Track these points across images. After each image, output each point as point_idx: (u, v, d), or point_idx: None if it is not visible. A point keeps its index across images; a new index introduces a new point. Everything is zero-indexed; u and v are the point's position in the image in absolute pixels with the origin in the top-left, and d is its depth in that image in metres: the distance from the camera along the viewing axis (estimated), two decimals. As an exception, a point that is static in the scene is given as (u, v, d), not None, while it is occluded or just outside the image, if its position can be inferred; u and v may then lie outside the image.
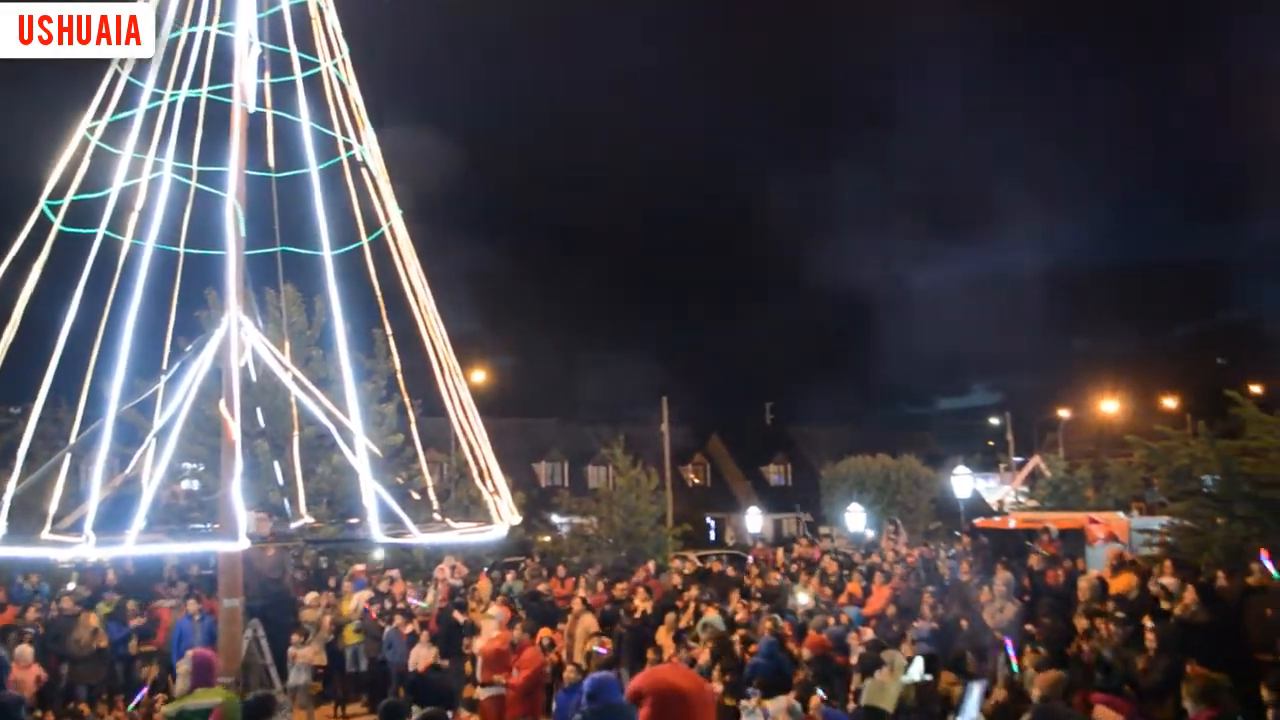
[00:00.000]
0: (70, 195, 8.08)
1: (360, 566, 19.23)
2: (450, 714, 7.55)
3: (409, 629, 15.18)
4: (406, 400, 10.09)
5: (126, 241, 8.01)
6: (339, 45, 8.81)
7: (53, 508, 7.93)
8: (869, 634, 12.78)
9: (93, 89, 8.22)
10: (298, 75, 8.44)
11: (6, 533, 7.37)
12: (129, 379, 7.73)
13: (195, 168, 8.80)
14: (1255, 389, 34.16)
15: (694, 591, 16.15)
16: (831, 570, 18.99)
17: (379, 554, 20.79)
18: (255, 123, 8.71)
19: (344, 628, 16.24)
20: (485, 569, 20.78)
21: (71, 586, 16.96)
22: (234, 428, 7.71)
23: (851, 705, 10.76)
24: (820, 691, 10.36)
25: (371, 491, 7.25)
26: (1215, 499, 14.95)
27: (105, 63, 8.15)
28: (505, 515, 8.88)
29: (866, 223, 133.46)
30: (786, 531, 48.54)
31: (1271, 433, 14.43)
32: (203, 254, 8.91)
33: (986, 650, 12.39)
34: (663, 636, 14.40)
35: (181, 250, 8.89)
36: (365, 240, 8.59)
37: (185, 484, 20.92)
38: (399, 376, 10.05)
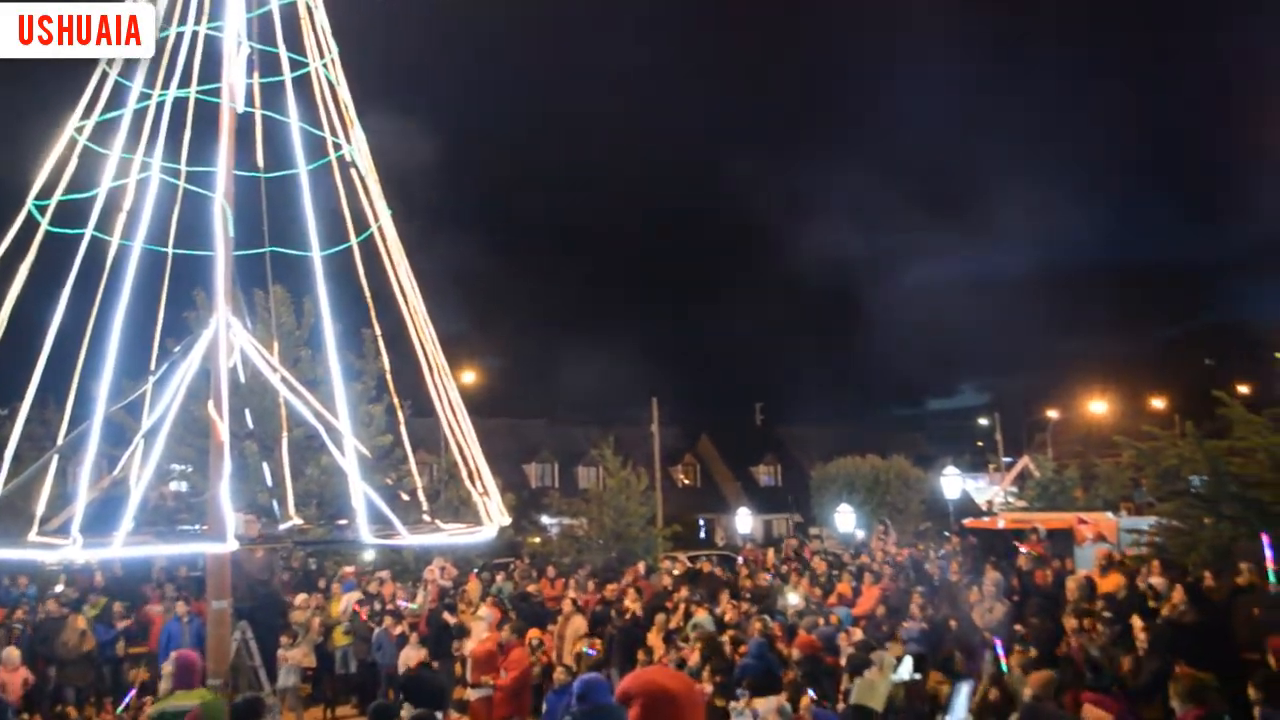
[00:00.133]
0: (58, 195, 8.05)
1: (349, 568, 19.20)
2: (440, 715, 7.52)
3: (398, 630, 15.16)
4: (396, 401, 10.08)
5: (114, 242, 7.98)
6: (328, 45, 8.79)
7: (40, 509, 7.89)
8: (858, 634, 12.80)
9: (81, 88, 8.20)
10: (286, 75, 8.41)
11: (-7, 534, 7.34)
12: (117, 380, 7.71)
13: (184, 168, 8.77)
14: (1243, 389, 34.30)
15: (684, 592, 16.16)
16: (821, 570, 19.02)
17: (369, 555, 20.75)
18: (244, 123, 8.69)
19: (333, 629, 16.21)
20: (475, 570, 20.75)
21: (59, 588, 16.89)
22: (222, 429, 7.69)
23: (841, 705, 10.77)
24: (810, 692, 10.37)
25: (360, 493, 7.24)
26: (1203, 499, 15.01)
27: (93, 62, 8.12)
28: (495, 516, 8.87)
29: (857, 223, 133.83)
30: (777, 532, 48.59)
31: (1258, 433, 14.50)
32: (191, 254, 8.88)
33: (975, 650, 12.42)
34: (653, 638, 14.40)
35: (170, 250, 8.87)
36: (354, 241, 8.57)
37: (173, 485, 20.80)
38: (388, 377, 10.03)
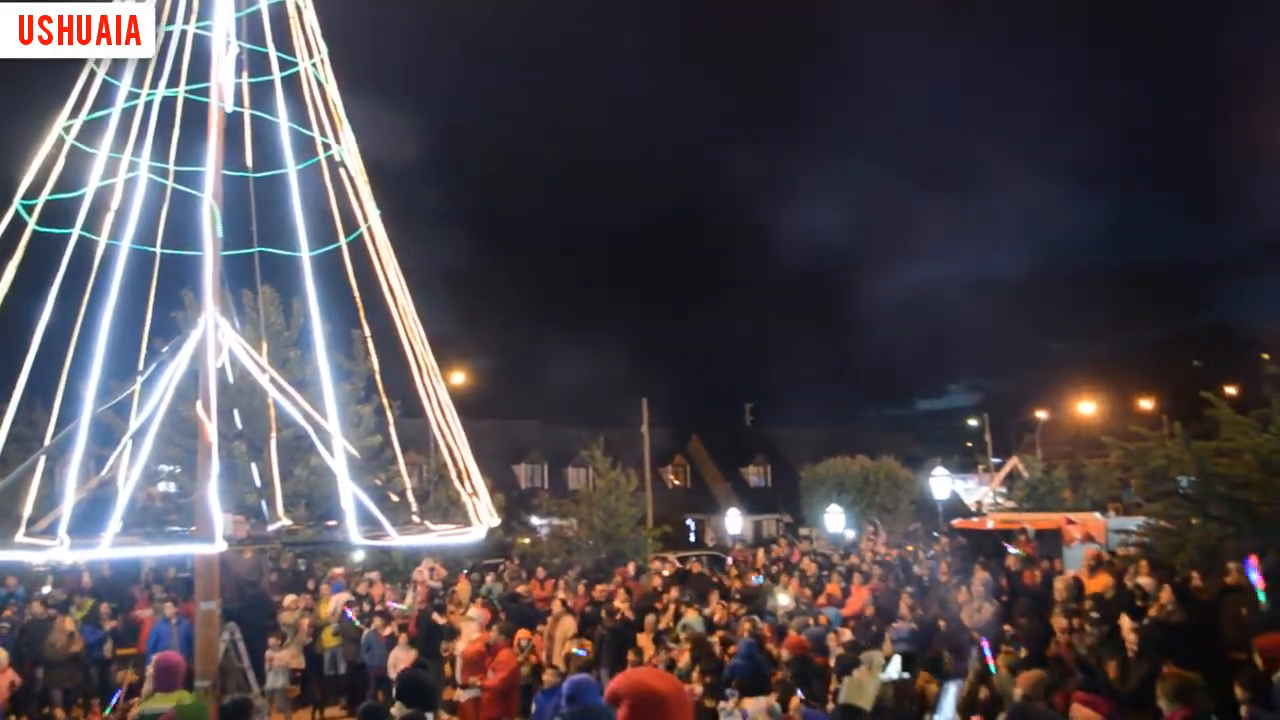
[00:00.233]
0: (45, 195, 8.02)
1: (339, 570, 19.17)
2: (431, 716, 7.50)
3: (387, 631, 15.13)
4: (385, 402, 10.06)
5: (102, 242, 7.95)
6: (317, 45, 8.77)
7: (27, 510, 7.85)
8: (848, 635, 12.82)
9: (68, 87, 8.17)
10: (276, 75, 8.39)
11: (-20, 535, 7.31)
12: (105, 380, 7.69)
13: (172, 167, 8.75)
14: (1230, 390, 34.45)
15: (674, 593, 16.17)
16: (810, 571, 19.06)
17: (358, 556, 20.72)
18: (233, 123, 8.67)
19: (322, 630, 16.16)
20: (465, 571, 20.74)
21: (47, 589, 16.84)
22: (211, 429, 7.66)
23: (830, 706, 10.78)
24: (799, 692, 10.38)
25: (349, 493, 7.22)
26: (1190, 499, 15.08)
27: (81, 61, 8.09)
28: (484, 517, 8.86)
29: (849, 224, 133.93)
30: (766, 533, 48.63)
31: (1245, 434, 14.57)
32: (179, 254, 8.85)
33: (964, 650, 12.46)
34: (643, 639, 14.41)
35: (158, 250, 8.84)
36: (344, 241, 8.56)
37: (162, 486, 20.77)
38: (377, 378, 10.02)
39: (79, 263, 7.92)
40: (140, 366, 8.57)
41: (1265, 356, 64.81)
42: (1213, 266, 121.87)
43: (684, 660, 12.22)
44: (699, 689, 11.08)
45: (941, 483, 33.31)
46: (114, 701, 13.26)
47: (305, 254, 8.05)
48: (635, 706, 4.76)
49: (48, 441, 8.18)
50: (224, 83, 8.34)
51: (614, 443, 31.54)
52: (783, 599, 15.90)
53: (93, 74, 8.15)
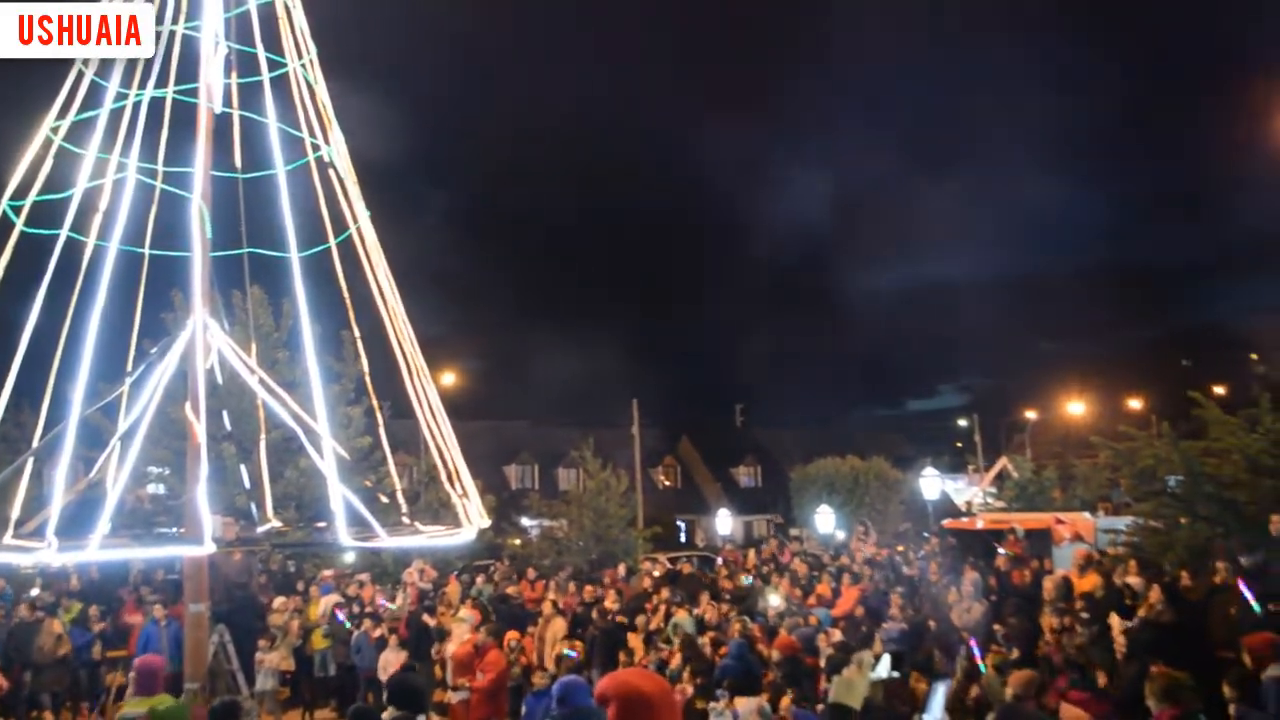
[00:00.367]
0: (33, 196, 7.98)
1: (329, 571, 19.11)
2: (421, 718, 7.48)
3: (378, 633, 15.10)
4: (375, 403, 10.04)
5: (90, 242, 7.92)
6: (306, 46, 8.75)
7: (15, 512, 7.82)
8: (838, 635, 12.83)
9: (56, 88, 8.13)
10: (265, 76, 8.37)
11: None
12: (93, 382, 7.65)
13: (160, 168, 8.71)
14: (1219, 390, 34.62)
15: (665, 594, 16.17)
16: (801, 572, 19.06)
17: (349, 557, 20.68)
18: (221, 123, 8.64)
19: (312, 632, 16.12)
20: (455, 572, 20.71)
21: (35, 592, 16.76)
22: (199, 431, 7.64)
23: (820, 707, 10.80)
24: (790, 693, 10.39)
25: (339, 495, 7.20)
26: (1179, 499, 15.14)
27: (69, 61, 8.06)
28: (474, 518, 8.84)
29: (837, 227, 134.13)
30: (757, 533, 48.67)
31: (1233, 434, 14.64)
32: (168, 255, 8.82)
33: (954, 650, 12.49)
34: (633, 639, 14.41)
35: (146, 251, 8.80)
36: (333, 242, 8.53)
37: (150, 488, 20.68)
38: (367, 379, 9.99)
39: (67, 264, 7.89)
40: (129, 368, 8.54)
41: (1254, 357, 65.17)
42: (1202, 267, 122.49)
43: (675, 661, 12.22)
44: (690, 689, 11.09)
45: (931, 483, 33.37)
46: (100, 703, 13.23)
47: (294, 255, 8.03)
48: (623, 708, 4.76)
49: (36, 443, 8.14)
50: (213, 83, 8.31)
51: (604, 443, 31.55)
52: (773, 600, 15.90)
53: (81, 74, 8.12)
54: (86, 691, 15.40)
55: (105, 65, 8.09)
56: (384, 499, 10.11)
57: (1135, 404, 49.56)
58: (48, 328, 7.89)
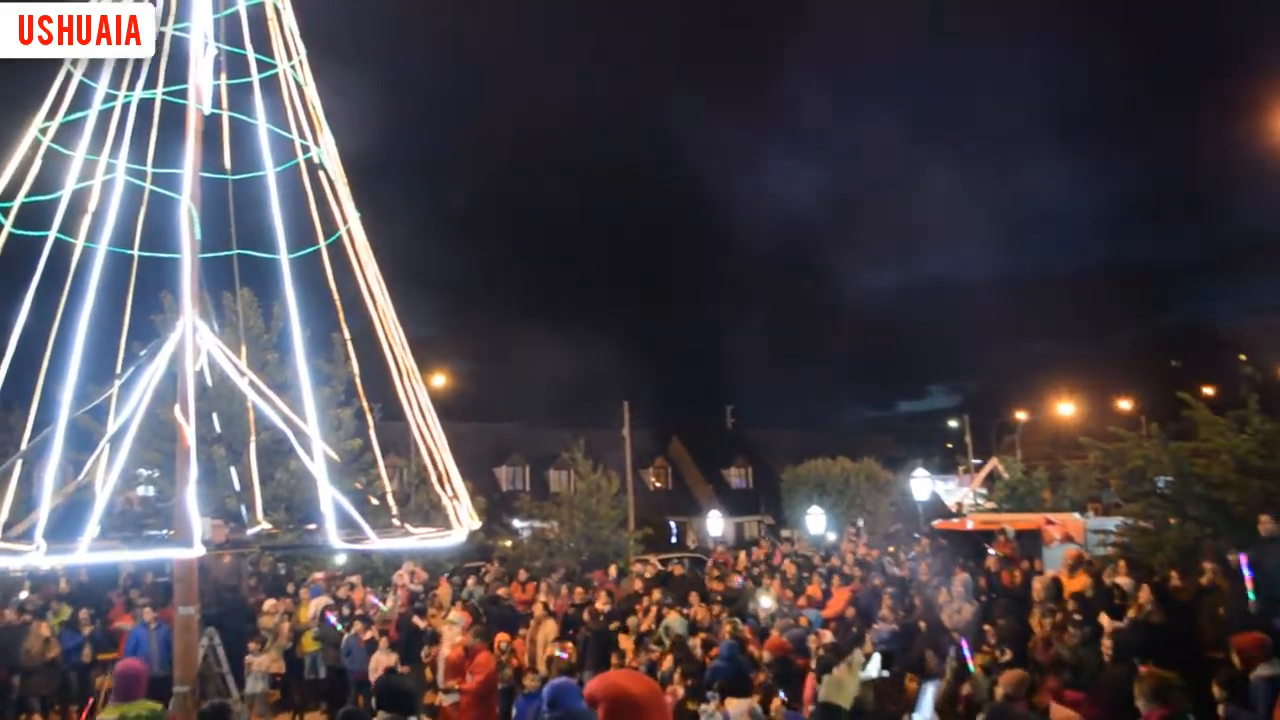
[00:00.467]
0: (21, 197, 7.95)
1: (319, 574, 19.08)
2: (411, 720, 7.47)
3: (368, 635, 15.08)
4: (365, 405, 10.01)
5: (79, 244, 7.89)
6: (296, 47, 8.73)
7: (3, 515, 7.78)
8: (828, 636, 12.85)
9: (44, 89, 8.11)
10: (254, 77, 8.35)
11: (-45, 541, 7.23)
12: (82, 384, 7.61)
13: (150, 170, 8.68)
14: (1208, 391, 34.76)
15: (656, 595, 16.17)
16: (791, 573, 19.09)
17: (339, 560, 20.64)
18: (211, 124, 8.62)
19: (302, 635, 16.09)
20: (446, 574, 20.69)
21: (24, 595, 16.70)
22: (189, 433, 7.61)
23: (811, 708, 10.81)
24: (781, 694, 10.40)
25: (329, 497, 7.18)
26: (1168, 500, 15.18)
27: (57, 62, 8.03)
28: (465, 520, 8.82)
29: (828, 228, 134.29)
30: (748, 534, 48.71)
31: (1222, 434, 14.69)
32: (157, 257, 8.79)
33: (945, 651, 12.51)
34: (625, 641, 14.41)
35: (135, 253, 8.77)
36: (323, 244, 8.51)
37: (140, 490, 20.64)
38: (357, 381, 9.96)
39: (56, 265, 7.86)
40: (118, 370, 8.50)
41: (1242, 357, 65.53)
42: (1191, 267, 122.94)
43: (666, 663, 12.23)
44: (681, 691, 11.09)
45: (922, 484, 33.45)
46: (89, 707, 13.18)
47: (284, 257, 8.01)
48: (611, 709, 4.78)
49: (24, 445, 8.11)
50: (202, 84, 8.29)
51: (595, 445, 31.54)
52: (765, 601, 15.92)
53: (70, 75, 8.09)
54: (76, 695, 15.34)
55: (94, 66, 8.06)
56: (374, 501, 10.09)
57: (1125, 405, 49.71)
58: (36, 330, 7.85)
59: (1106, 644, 10.21)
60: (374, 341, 8.73)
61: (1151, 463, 15.65)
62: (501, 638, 13.96)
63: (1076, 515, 19.63)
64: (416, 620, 15.59)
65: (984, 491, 32.39)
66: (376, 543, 7.75)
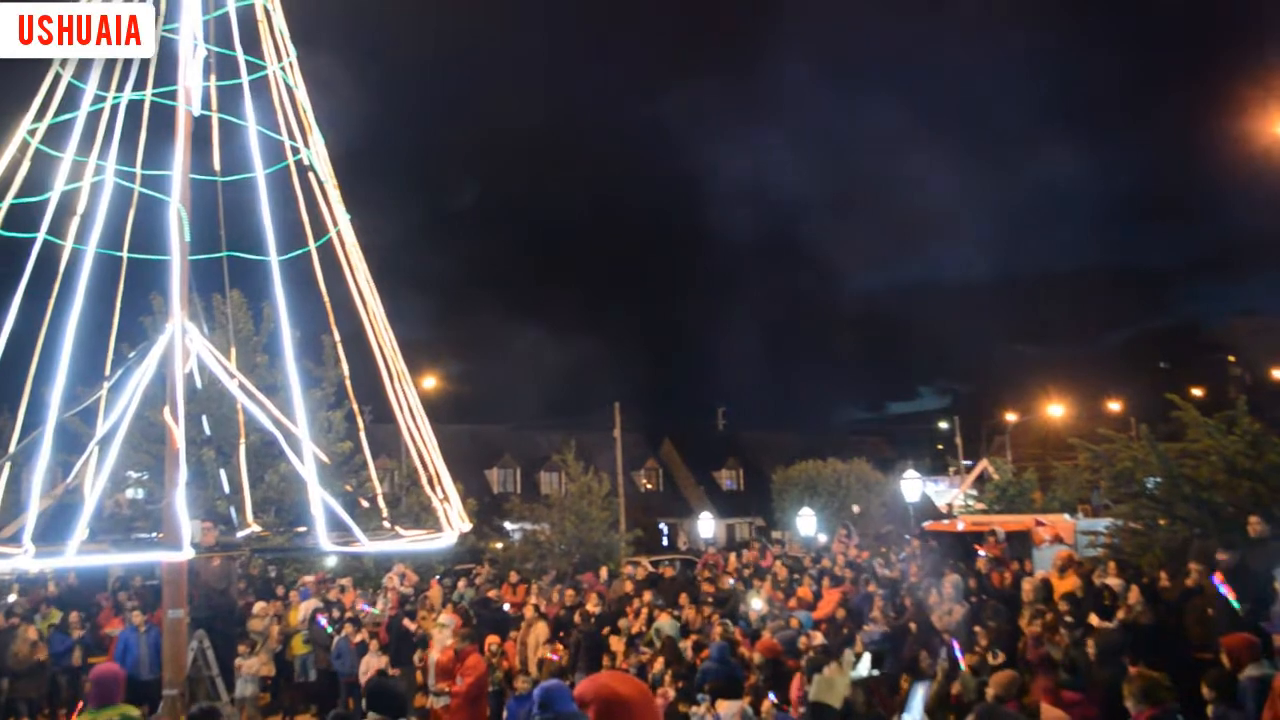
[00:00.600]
0: (9, 199, 7.92)
1: (309, 577, 19.04)
2: (401, 723, 7.45)
3: (359, 638, 15.04)
4: (355, 407, 10.00)
5: (68, 246, 7.87)
6: (286, 48, 8.72)
7: (-9, 518, 7.75)
8: (819, 638, 12.86)
9: (32, 90, 8.08)
10: (244, 78, 8.33)
11: (-57, 544, 7.19)
12: (70, 385, 7.59)
13: (139, 171, 8.66)
14: (1196, 392, 34.88)
15: (647, 597, 16.17)
16: (782, 575, 19.09)
17: (330, 562, 20.61)
18: (201, 126, 8.60)
19: (292, 638, 16.05)
20: (437, 577, 20.66)
21: (12, 598, 16.63)
22: (178, 435, 7.59)
23: (801, 710, 10.81)
24: (772, 695, 10.40)
25: (319, 499, 7.17)
26: (1157, 501, 15.23)
27: (46, 62, 8.01)
28: (455, 522, 8.81)
29: (817, 231, 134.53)
30: (739, 536, 48.76)
31: (1211, 436, 14.74)
32: (147, 259, 8.77)
33: (936, 652, 12.53)
34: (616, 643, 14.40)
35: (125, 255, 8.75)
36: (313, 245, 8.49)
37: (129, 493, 20.58)
38: (348, 383, 9.95)
39: (44, 267, 7.84)
40: (107, 372, 8.48)
41: (1231, 359, 65.80)
42: (1179, 269, 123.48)
43: (658, 665, 12.22)
44: (672, 693, 11.08)
45: (912, 485, 33.51)
46: (76, 711, 13.12)
47: (274, 259, 7.99)
48: (601, 711, 4.77)
49: (12, 447, 8.08)
50: (191, 86, 8.27)
51: (586, 447, 31.57)
52: (755, 603, 15.93)
53: (58, 76, 8.07)
54: (65, 698, 15.28)
55: (83, 66, 8.04)
56: (365, 503, 10.08)
57: (1114, 406, 49.84)
58: (25, 331, 7.83)
59: (1091, 644, 10.25)
60: (364, 343, 8.72)
61: (1140, 464, 15.70)
62: (492, 640, 13.94)
63: (1066, 516, 19.71)
64: (407, 623, 15.56)
65: (974, 493, 32.49)
66: (367, 545, 7.73)
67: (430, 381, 36.10)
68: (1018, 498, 27.57)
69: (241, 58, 8.29)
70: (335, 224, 8.58)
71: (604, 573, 21.13)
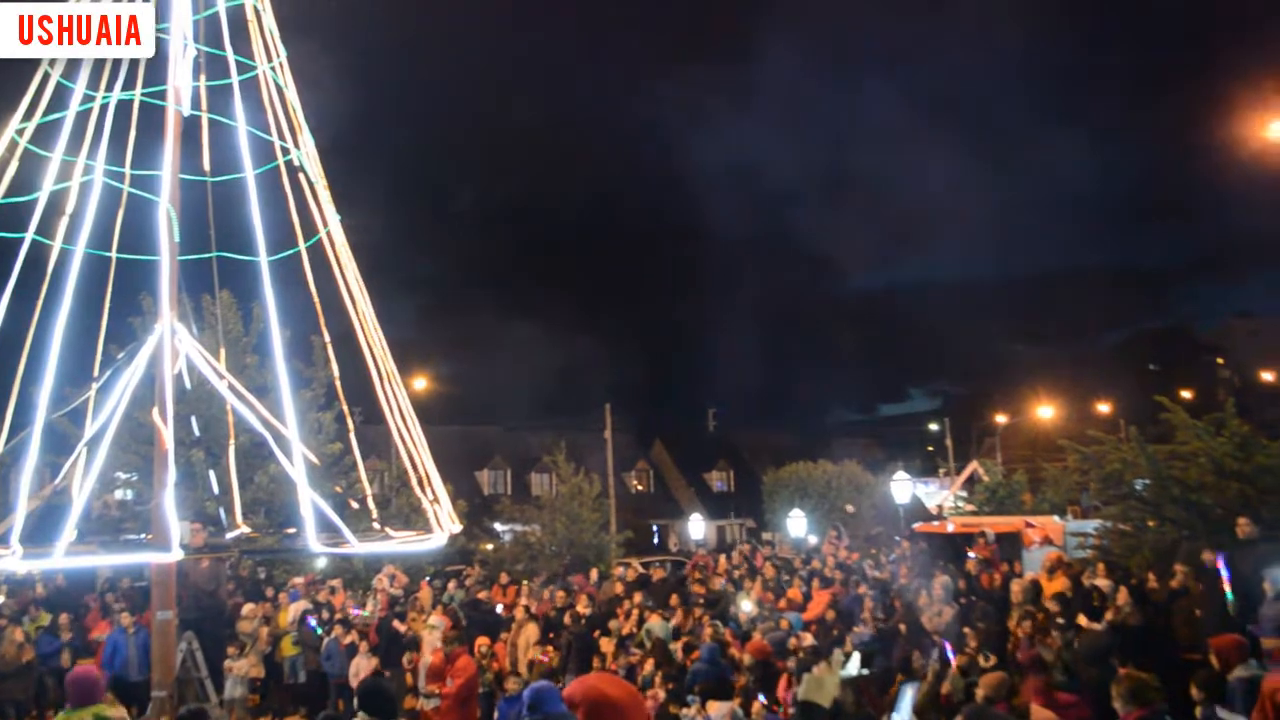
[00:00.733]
0: (-2, 199, 7.89)
1: (299, 579, 18.98)
2: (392, 724, 7.44)
3: (348, 639, 15.01)
4: (345, 408, 9.98)
5: (56, 246, 7.84)
6: (276, 48, 8.70)
7: (-22, 519, 7.71)
8: (809, 639, 12.87)
9: (20, 89, 8.05)
10: (234, 78, 8.31)
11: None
12: (59, 386, 7.57)
13: (128, 171, 8.64)
14: (1185, 394, 34.98)
15: (637, 598, 16.17)
16: (771, 576, 19.10)
17: (319, 564, 20.55)
18: (190, 126, 8.58)
19: (281, 639, 16.00)
20: (427, 578, 20.61)
21: (0, 600, 16.56)
22: (167, 436, 7.57)
23: (790, 710, 10.83)
24: (761, 697, 10.41)
25: (309, 501, 7.16)
26: (1146, 502, 15.28)
27: (34, 62, 7.98)
28: (445, 524, 8.80)
29: (809, 232, 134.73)
30: (729, 537, 48.76)
31: (1200, 437, 14.78)
32: (136, 259, 8.74)
33: (926, 653, 12.54)
34: (606, 645, 14.40)
35: (113, 255, 8.72)
36: (303, 246, 8.47)
37: (118, 494, 20.51)
38: (337, 384, 9.93)
39: (33, 267, 7.81)
40: (96, 372, 8.46)
41: (1219, 361, 66.04)
42: (1169, 271, 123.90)
43: (648, 666, 12.22)
44: (662, 695, 11.08)
45: (903, 487, 33.54)
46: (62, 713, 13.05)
47: (264, 259, 7.98)
48: (590, 712, 4.78)
49: (0, 449, 8.05)
50: (181, 86, 8.25)
51: (577, 448, 31.53)
52: (745, 604, 15.94)
53: (47, 76, 8.04)
54: (53, 700, 15.21)
55: (72, 66, 8.02)
56: (354, 505, 10.05)
57: (1104, 408, 49.94)
58: (13, 332, 7.80)
59: (1075, 644, 10.28)
60: (354, 344, 8.71)
61: (1129, 466, 15.75)
62: (482, 641, 13.92)
63: (1056, 518, 19.75)
64: (396, 624, 15.53)
65: (964, 494, 32.54)
66: (356, 546, 7.72)
67: (420, 382, 36.02)
68: (1007, 499, 27.61)
69: (231, 58, 8.27)
70: (325, 225, 8.57)
71: (594, 574, 21.10)
